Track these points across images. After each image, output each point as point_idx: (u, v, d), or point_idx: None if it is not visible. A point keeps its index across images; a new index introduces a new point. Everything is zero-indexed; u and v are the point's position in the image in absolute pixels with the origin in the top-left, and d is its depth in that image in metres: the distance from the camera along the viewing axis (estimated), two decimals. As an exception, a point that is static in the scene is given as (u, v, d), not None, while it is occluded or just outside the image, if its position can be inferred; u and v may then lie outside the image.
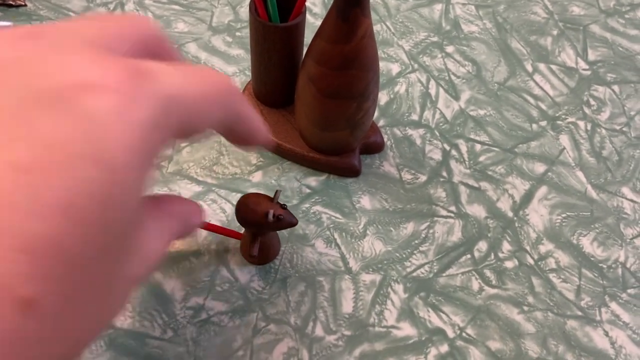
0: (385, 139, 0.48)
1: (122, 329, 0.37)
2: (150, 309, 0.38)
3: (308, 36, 0.54)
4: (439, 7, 0.59)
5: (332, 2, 0.54)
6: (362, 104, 0.40)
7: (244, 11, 0.56)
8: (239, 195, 0.44)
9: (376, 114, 0.50)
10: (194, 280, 0.40)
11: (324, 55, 0.37)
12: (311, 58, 0.38)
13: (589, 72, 0.55)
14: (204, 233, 0.42)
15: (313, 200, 0.44)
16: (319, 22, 0.56)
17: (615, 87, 0.54)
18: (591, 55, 0.56)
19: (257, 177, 0.45)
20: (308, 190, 0.45)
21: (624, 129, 0.51)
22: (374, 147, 0.47)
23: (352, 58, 0.37)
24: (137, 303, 0.38)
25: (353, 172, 0.45)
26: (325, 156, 0.45)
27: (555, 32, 0.58)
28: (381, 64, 0.53)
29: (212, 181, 0.45)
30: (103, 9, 0.54)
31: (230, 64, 0.52)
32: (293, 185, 0.45)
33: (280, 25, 0.40)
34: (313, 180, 0.45)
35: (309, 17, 0.56)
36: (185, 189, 0.44)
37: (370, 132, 0.46)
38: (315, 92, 0.39)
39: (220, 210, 0.43)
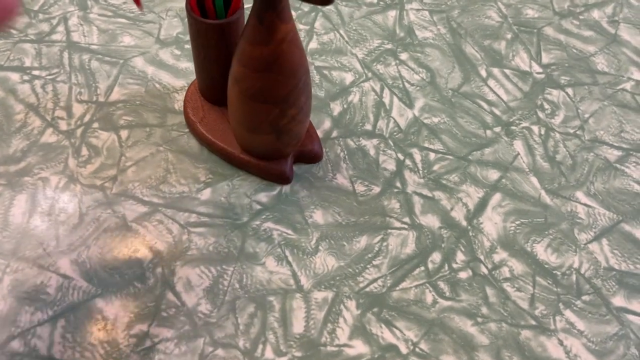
0: (338, 151, 0.48)
1: (61, 361, 0.36)
2: (90, 339, 0.37)
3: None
4: (392, 13, 0.58)
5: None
6: (285, 110, 0.39)
7: (194, 23, 0.55)
8: (186, 215, 0.43)
9: (329, 124, 0.49)
10: (137, 306, 0.38)
11: (245, 55, 0.37)
12: (236, 57, 0.38)
13: (542, 76, 0.55)
14: (148, 256, 0.40)
15: (264, 216, 0.43)
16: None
17: (569, 90, 0.54)
18: (545, 58, 0.56)
19: (205, 194, 0.44)
20: (258, 207, 0.44)
21: (577, 132, 0.51)
22: (310, 157, 0.46)
23: (271, 61, 0.36)
24: (78, 333, 0.37)
25: (283, 178, 0.45)
26: (256, 160, 0.44)
27: (509, 36, 0.57)
28: (334, 74, 0.53)
29: (158, 201, 0.43)
30: (46, 25, 0.52)
31: (178, 78, 0.50)
32: (243, 202, 0.44)
33: (213, 22, 0.39)
34: (264, 196, 0.44)
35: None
36: (130, 210, 0.42)
37: (307, 140, 0.46)
38: (239, 93, 0.39)
39: (166, 230, 0.42)
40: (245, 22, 0.42)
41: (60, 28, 0.52)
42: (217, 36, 0.40)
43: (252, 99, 0.39)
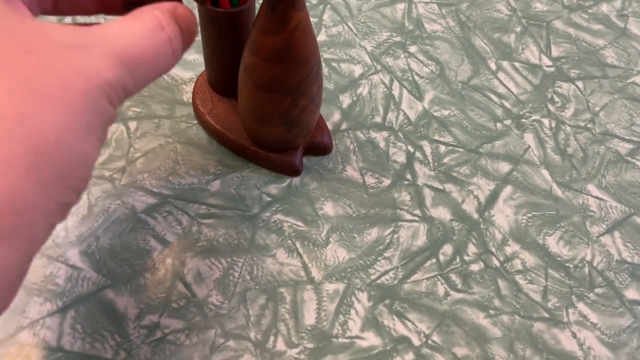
0: (348, 143, 0.47)
1: (71, 351, 0.36)
2: (101, 330, 0.36)
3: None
4: (401, 6, 0.58)
5: None
6: (297, 100, 0.39)
7: (202, 15, 0.54)
8: (196, 206, 0.42)
9: (338, 117, 0.49)
10: (148, 297, 0.38)
11: (256, 44, 0.36)
12: (247, 47, 0.38)
13: (552, 69, 0.54)
14: (158, 247, 0.40)
15: (274, 208, 0.43)
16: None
17: (580, 83, 0.54)
18: (555, 52, 0.56)
19: (215, 186, 0.44)
20: (268, 199, 0.43)
21: (588, 125, 0.51)
22: (320, 149, 0.46)
23: (283, 51, 0.36)
24: (87, 324, 0.37)
25: (292, 170, 0.44)
26: (266, 151, 0.44)
27: (518, 29, 0.57)
28: (343, 66, 0.52)
29: (167, 192, 0.43)
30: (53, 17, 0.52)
31: (187, 69, 0.50)
32: (253, 193, 0.44)
33: (225, 11, 0.39)
34: (274, 188, 0.44)
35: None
36: (139, 201, 0.42)
37: (317, 132, 0.45)
38: (249, 83, 0.38)
39: (176, 222, 0.41)
40: (255, 10, 0.42)
41: (68, 19, 0.52)
42: (228, 25, 0.40)
43: (263, 90, 0.38)
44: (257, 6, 0.56)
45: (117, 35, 0.23)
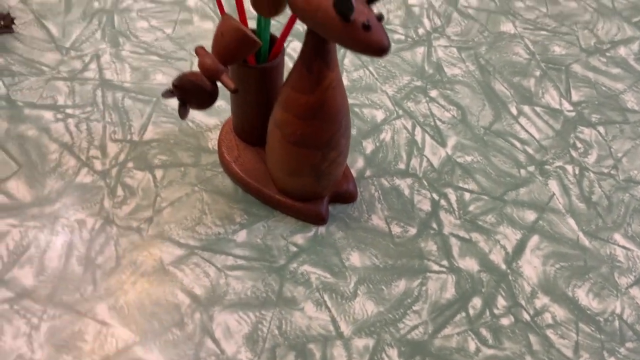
0: (372, 190, 0.47)
1: (101, 412, 0.35)
2: (131, 390, 0.36)
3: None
4: (421, 50, 0.58)
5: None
6: (327, 153, 0.39)
7: (224, 59, 0.55)
8: (223, 257, 0.42)
9: (362, 163, 0.49)
10: (177, 354, 0.37)
11: (289, 102, 0.37)
12: (278, 103, 0.38)
13: (573, 114, 0.55)
14: (186, 301, 0.40)
15: (301, 259, 0.43)
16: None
17: (601, 128, 0.54)
18: (575, 96, 0.56)
19: (241, 236, 0.43)
20: (295, 249, 0.43)
21: (612, 171, 0.51)
22: (345, 197, 0.46)
23: (316, 108, 0.36)
24: (117, 383, 0.36)
25: (319, 219, 0.44)
26: (292, 200, 0.44)
27: (537, 73, 0.58)
28: (365, 111, 0.53)
29: (194, 243, 0.43)
30: (78, 62, 0.52)
31: (211, 116, 0.50)
32: (279, 243, 0.43)
33: (256, 67, 0.39)
34: (300, 238, 0.44)
35: (291, 52, 0.55)
36: (167, 253, 0.42)
37: (342, 181, 0.46)
38: (281, 138, 0.39)
39: (203, 274, 0.41)
40: (284, 65, 0.42)
41: (93, 65, 0.52)
42: (258, 81, 0.40)
43: (295, 144, 0.39)
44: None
45: None
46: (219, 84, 0.56)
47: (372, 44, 0.30)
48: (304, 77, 0.35)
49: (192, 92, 0.35)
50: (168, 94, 0.36)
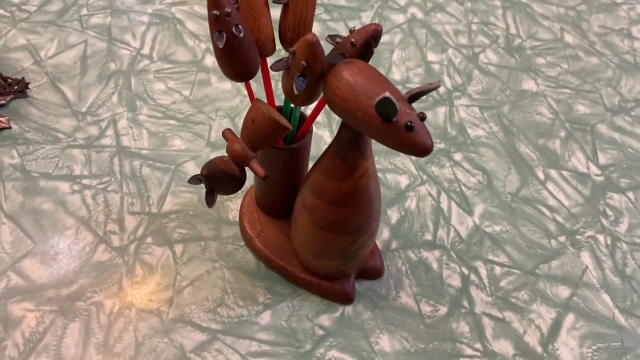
0: (400, 265, 0.46)
1: None
2: None
3: (315, 150, 0.52)
4: (442, 110, 0.57)
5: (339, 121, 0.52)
6: (357, 238, 0.38)
7: (243, 122, 0.54)
8: (247, 343, 0.40)
9: (387, 234, 0.47)
10: None
11: (320, 188, 0.35)
12: (308, 187, 0.36)
13: (602, 178, 0.53)
14: (211, 394, 0.38)
15: (327, 343, 0.41)
16: (322, 132, 0.54)
17: (630, 194, 0.52)
18: (602, 159, 0.55)
19: (265, 318, 0.42)
20: (321, 332, 0.41)
21: (644, 241, 0.49)
22: (373, 273, 0.44)
23: (349, 196, 0.35)
24: None
25: (346, 299, 0.43)
26: (318, 279, 0.42)
27: (562, 134, 0.56)
28: (389, 176, 0.51)
29: (216, 327, 0.41)
30: (95, 128, 0.51)
31: (231, 184, 0.49)
32: (305, 326, 0.42)
33: (284, 148, 0.38)
34: (326, 319, 0.42)
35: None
36: (188, 338, 0.40)
37: (369, 256, 0.44)
38: (309, 221, 0.37)
39: (227, 362, 0.39)
40: (311, 143, 0.41)
41: (110, 131, 0.51)
42: (286, 160, 0.39)
43: (324, 228, 0.37)
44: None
45: None
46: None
47: (417, 145, 0.28)
48: (337, 166, 0.34)
49: (221, 180, 0.34)
50: (195, 181, 0.34)
